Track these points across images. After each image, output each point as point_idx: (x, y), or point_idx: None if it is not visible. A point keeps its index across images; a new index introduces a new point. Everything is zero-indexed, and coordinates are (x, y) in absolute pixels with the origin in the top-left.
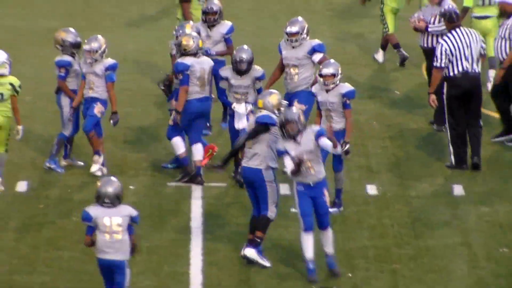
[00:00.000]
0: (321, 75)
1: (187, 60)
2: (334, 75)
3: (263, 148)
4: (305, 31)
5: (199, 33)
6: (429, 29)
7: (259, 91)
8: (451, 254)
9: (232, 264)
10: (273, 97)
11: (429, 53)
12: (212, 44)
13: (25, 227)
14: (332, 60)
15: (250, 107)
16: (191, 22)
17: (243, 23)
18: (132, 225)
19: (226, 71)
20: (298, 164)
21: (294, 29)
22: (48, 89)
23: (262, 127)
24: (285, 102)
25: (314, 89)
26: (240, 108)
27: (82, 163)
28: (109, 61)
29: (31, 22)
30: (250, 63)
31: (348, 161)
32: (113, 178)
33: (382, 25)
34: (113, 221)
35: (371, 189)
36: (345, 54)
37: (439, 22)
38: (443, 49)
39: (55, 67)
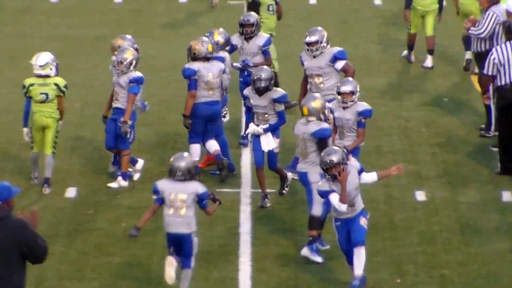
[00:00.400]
0: (339, 93)
1: (194, 65)
2: (352, 93)
3: (314, 156)
4: (324, 39)
5: (228, 40)
6: (469, 31)
7: (280, 113)
8: (500, 260)
9: (281, 271)
10: (317, 102)
11: (477, 58)
12: (249, 56)
13: (74, 233)
14: (350, 78)
15: (258, 129)
16: (220, 29)
17: (293, 32)
18: (202, 201)
19: (247, 90)
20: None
21: (313, 38)
22: (97, 96)
23: (324, 141)
24: (328, 105)
25: (332, 105)
26: (250, 128)
27: (130, 169)
28: (135, 73)
29: (81, 31)
30: (269, 81)
31: None
32: (185, 153)
33: (408, 23)
34: (178, 197)
35: (420, 195)
36: (394, 61)
37: (478, 26)
38: (492, 58)
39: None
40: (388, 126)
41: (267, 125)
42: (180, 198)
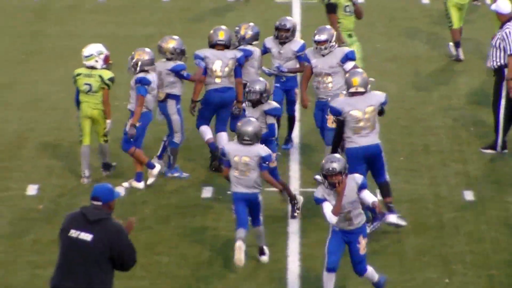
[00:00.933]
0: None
1: (202, 51)
2: None
3: (378, 124)
4: (333, 38)
5: (256, 34)
6: None
7: (270, 126)
8: None
9: None
10: (364, 74)
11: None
12: (283, 61)
13: None
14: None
15: None
16: (250, 23)
17: None
18: (265, 163)
19: (245, 104)
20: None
21: (322, 37)
22: None
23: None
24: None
25: None
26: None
27: (187, 175)
28: (139, 74)
29: (129, 29)
30: (261, 94)
31: (446, 167)
32: (252, 118)
33: (447, 19)
34: (242, 160)
35: (468, 195)
36: (442, 60)
37: None
38: None
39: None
40: (436, 125)
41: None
42: (243, 160)
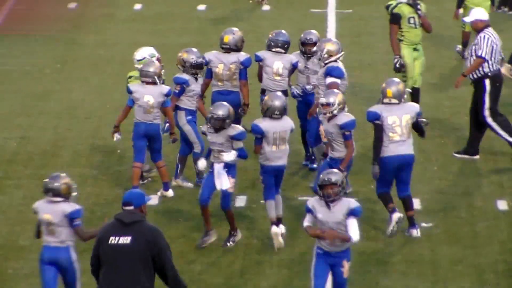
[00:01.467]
0: (320, 104)
1: (208, 55)
2: (329, 105)
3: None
4: (324, 52)
5: (285, 42)
6: None
7: (240, 150)
8: None
9: (362, 279)
10: (401, 84)
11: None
12: (311, 74)
13: None
14: (335, 90)
15: (221, 169)
16: (282, 31)
17: (377, 40)
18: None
19: (204, 127)
20: (319, 236)
21: (319, 47)
22: None
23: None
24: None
25: (321, 117)
26: (201, 164)
27: (191, 185)
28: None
29: (164, 38)
30: (224, 120)
31: (479, 177)
32: (278, 93)
33: (462, 23)
34: (280, 135)
35: (502, 204)
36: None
37: None
38: None
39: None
40: None
41: (222, 164)
42: (281, 136)
